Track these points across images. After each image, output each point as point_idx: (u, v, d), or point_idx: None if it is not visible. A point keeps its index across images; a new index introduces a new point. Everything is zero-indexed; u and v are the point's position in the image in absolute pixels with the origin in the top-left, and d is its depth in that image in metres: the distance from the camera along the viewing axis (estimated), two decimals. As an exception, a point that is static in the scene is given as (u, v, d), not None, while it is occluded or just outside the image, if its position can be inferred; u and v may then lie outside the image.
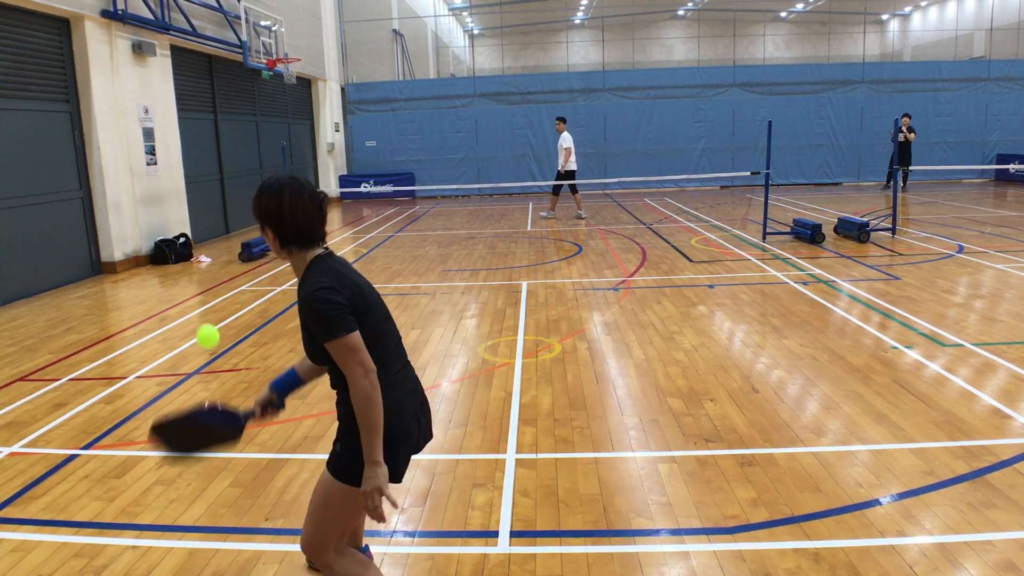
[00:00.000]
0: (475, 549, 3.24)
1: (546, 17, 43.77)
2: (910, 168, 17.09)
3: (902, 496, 3.54)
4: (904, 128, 16.59)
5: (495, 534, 3.34)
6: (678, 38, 49.59)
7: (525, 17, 42.50)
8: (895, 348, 5.83)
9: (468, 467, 4.00)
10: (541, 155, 20.42)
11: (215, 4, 13.23)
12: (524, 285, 8.62)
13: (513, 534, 3.34)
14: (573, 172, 14.62)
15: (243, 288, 9.13)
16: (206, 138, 13.73)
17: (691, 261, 9.81)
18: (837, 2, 39.86)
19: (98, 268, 10.46)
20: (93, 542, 3.39)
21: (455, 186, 20.12)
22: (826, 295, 7.67)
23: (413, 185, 20.05)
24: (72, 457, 4.34)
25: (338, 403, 2.44)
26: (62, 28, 9.78)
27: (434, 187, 19.70)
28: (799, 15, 46.56)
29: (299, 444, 4.40)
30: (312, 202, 2.38)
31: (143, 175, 11.06)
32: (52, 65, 9.64)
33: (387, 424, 2.33)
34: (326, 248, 2.47)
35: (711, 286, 8.26)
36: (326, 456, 4.25)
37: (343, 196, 20.93)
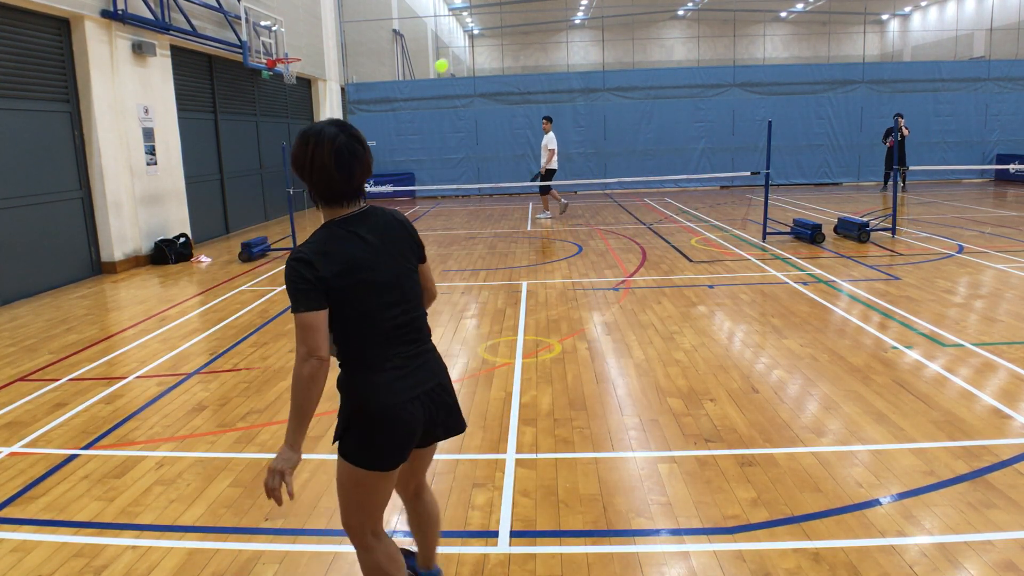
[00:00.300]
0: (475, 549, 3.24)
1: (546, 17, 43.77)
2: (906, 168, 17.13)
3: (902, 496, 3.54)
4: (902, 127, 16.61)
5: (495, 534, 3.34)
6: (678, 38, 49.58)
7: (525, 17, 42.51)
8: (895, 348, 5.83)
9: (468, 467, 4.00)
10: (541, 155, 20.37)
11: (215, 4, 13.23)
12: (524, 285, 8.62)
13: (513, 534, 3.34)
14: (554, 172, 14.76)
15: (243, 288, 9.14)
16: (206, 138, 13.73)
17: (691, 261, 9.81)
18: (837, 2, 39.87)
19: (98, 268, 10.46)
20: (93, 542, 3.39)
21: (455, 186, 20.12)
22: (826, 295, 7.67)
23: (413, 185, 20.05)
24: (72, 457, 4.34)
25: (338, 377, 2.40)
26: (62, 28, 9.78)
27: (434, 187, 19.70)
28: (799, 15, 46.57)
29: (299, 444, 4.39)
30: (333, 157, 2.21)
31: (143, 175, 11.05)
32: (52, 65, 9.64)
33: (362, 408, 2.28)
34: (359, 207, 2.33)
35: (711, 286, 8.25)
36: (326, 456, 4.27)
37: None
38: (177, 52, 12.43)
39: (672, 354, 5.87)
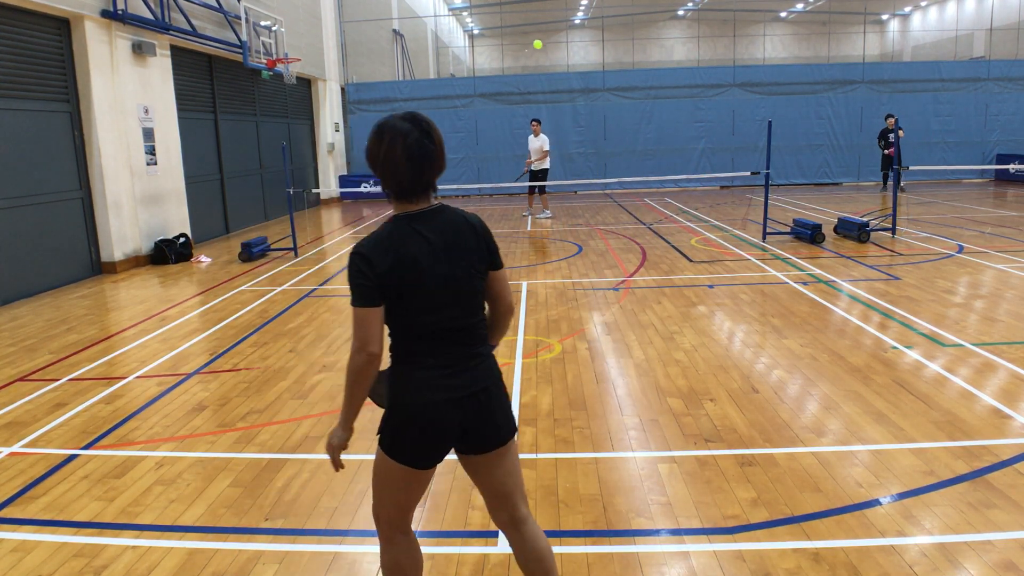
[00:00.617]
0: (475, 549, 3.24)
1: (546, 17, 43.77)
2: (905, 168, 17.12)
3: (902, 496, 3.54)
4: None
5: (495, 534, 3.34)
6: (678, 38, 49.58)
7: (525, 17, 42.51)
8: (895, 348, 5.83)
9: (468, 467, 4.00)
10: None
11: (215, 4, 13.23)
12: (524, 285, 8.61)
13: (513, 534, 3.33)
14: (546, 172, 14.89)
15: (243, 288, 9.14)
16: (206, 138, 13.73)
17: (691, 261, 9.81)
18: (837, 2, 39.86)
19: (98, 268, 10.46)
20: (93, 542, 3.39)
21: (455, 186, 20.06)
22: (826, 295, 7.67)
23: (413, 185, 20.01)
24: (72, 457, 4.34)
25: None
26: (62, 28, 9.78)
27: (434, 187, 19.67)
28: (799, 15, 46.56)
29: (299, 444, 4.40)
30: (406, 154, 2.20)
31: (143, 175, 11.06)
32: (52, 65, 9.64)
33: (398, 402, 2.30)
34: (430, 204, 2.30)
35: (711, 286, 8.25)
36: (326, 456, 4.26)
37: (343, 196, 20.93)
38: (177, 52, 12.43)
39: (672, 354, 5.87)
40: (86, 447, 4.47)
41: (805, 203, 16.30)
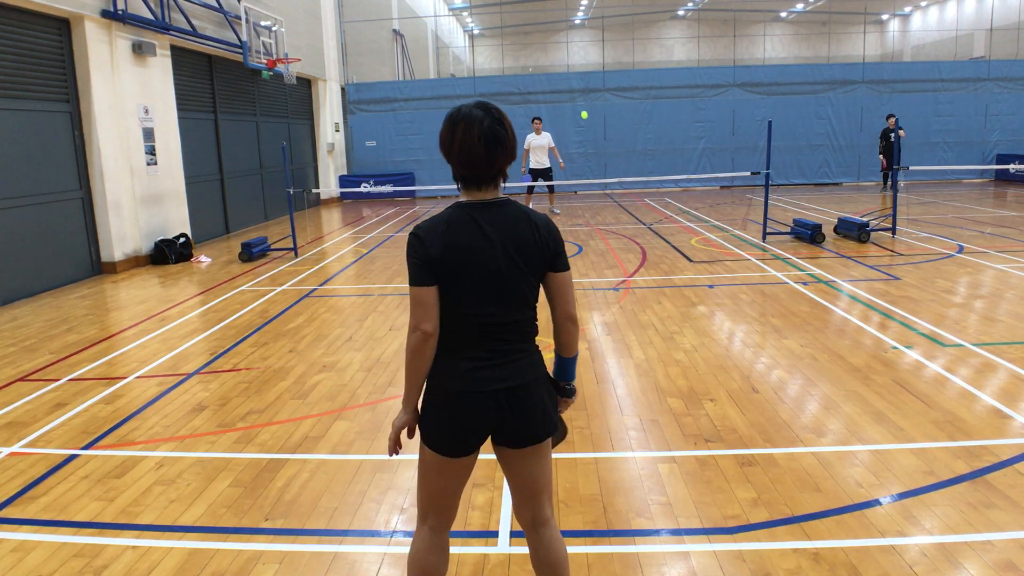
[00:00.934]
0: (475, 549, 3.24)
1: (546, 17, 43.77)
2: (904, 168, 17.13)
3: (902, 496, 3.54)
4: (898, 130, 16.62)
5: (495, 534, 3.34)
6: (678, 38, 49.58)
7: (525, 17, 42.51)
8: (895, 348, 5.83)
9: (468, 467, 4.00)
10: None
11: (215, 4, 13.23)
12: (524, 285, 8.60)
13: (513, 534, 3.34)
14: (550, 169, 15.15)
15: (243, 288, 9.14)
16: (206, 138, 13.73)
17: (691, 261, 9.81)
18: (837, 2, 39.87)
19: (98, 268, 10.46)
20: (93, 542, 3.39)
21: (455, 186, 20.07)
22: (826, 295, 7.67)
23: (413, 185, 20.05)
24: (72, 457, 4.34)
25: None
26: (62, 28, 9.78)
27: (434, 187, 19.66)
28: (799, 15, 46.57)
29: (299, 444, 4.40)
30: (482, 141, 2.24)
31: (143, 175, 11.06)
32: (52, 65, 9.64)
33: (436, 387, 2.32)
34: (495, 197, 2.32)
35: (711, 286, 8.26)
36: (326, 456, 4.27)
37: (343, 196, 20.93)
38: (177, 52, 12.43)
39: (672, 354, 5.87)
40: (86, 447, 4.47)
41: (805, 203, 16.30)
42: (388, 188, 19.89)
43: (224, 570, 3.14)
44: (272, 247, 11.93)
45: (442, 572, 2.50)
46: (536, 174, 15.03)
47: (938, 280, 8.18)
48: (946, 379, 5.12)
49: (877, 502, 3.49)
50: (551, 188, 15.30)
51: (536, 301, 2.39)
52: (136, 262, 10.94)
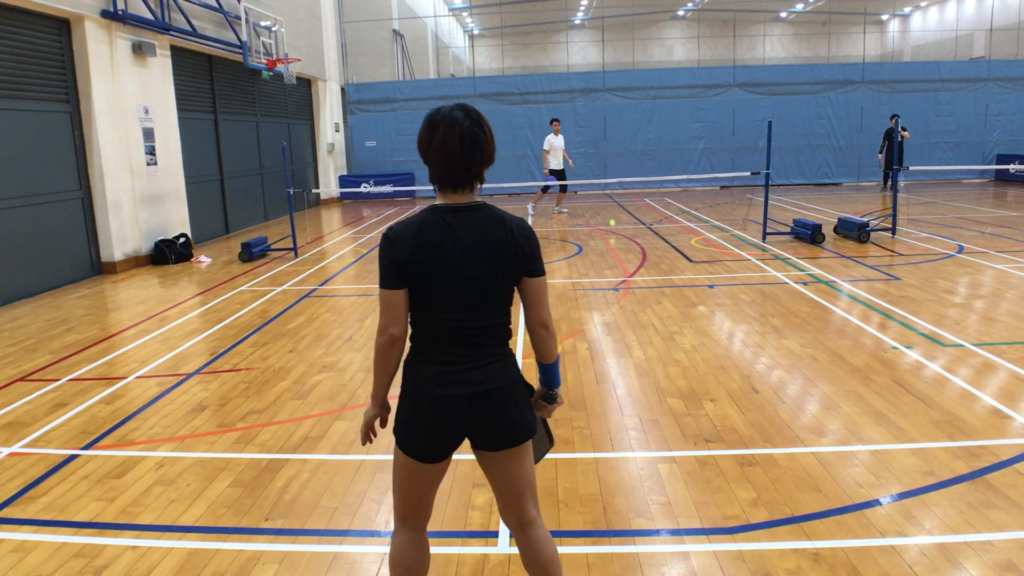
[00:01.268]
0: (475, 549, 3.24)
1: (546, 17, 43.76)
2: (905, 168, 17.15)
3: (902, 496, 3.54)
4: (900, 128, 16.63)
5: (495, 534, 3.34)
6: (678, 38, 49.58)
7: (525, 17, 42.50)
8: (895, 348, 5.83)
9: (468, 467, 3.99)
10: (541, 155, 20.39)
11: (215, 4, 13.23)
12: (524, 285, 8.60)
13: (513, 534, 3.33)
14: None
15: (243, 288, 9.13)
16: (206, 138, 13.73)
17: (691, 261, 9.81)
18: (837, 2, 39.86)
19: (98, 268, 10.46)
20: (93, 542, 3.39)
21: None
22: (826, 295, 7.67)
23: (413, 185, 20.04)
24: (72, 457, 4.34)
25: None
26: (62, 28, 9.78)
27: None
28: (799, 15, 46.56)
29: (299, 444, 4.40)
30: (461, 143, 2.21)
31: (143, 175, 11.06)
32: (52, 65, 9.64)
33: (408, 390, 2.33)
34: (472, 200, 2.29)
35: (711, 286, 8.25)
36: (326, 456, 4.27)
37: (343, 196, 20.93)
38: (177, 52, 12.43)
39: (672, 354, 5.86)
40: (86, 447, 4.47)
41: (805, 203, 16.30)
42: (388, 188, 19.89)
43: (224, 570, 3.14)
44: (272, 247, 11.93)
45: (424, 569, 2.52)
46: (554, 174, 15.20)
47: (938, 280, 8.18)
48: (946, 379, 5.12)
49: (877, 502, 3.49)
50: (564, 188, 15.51)
51: (510, 305, 2.38)
52: (136, 262, 10.94)
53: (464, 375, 2.28)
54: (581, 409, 4.78)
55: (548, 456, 4.09)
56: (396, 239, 2.24)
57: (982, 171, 20.61)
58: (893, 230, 11.22)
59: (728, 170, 20.07)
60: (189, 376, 5.79)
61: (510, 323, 2.41)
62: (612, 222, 17.44)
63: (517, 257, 2.31)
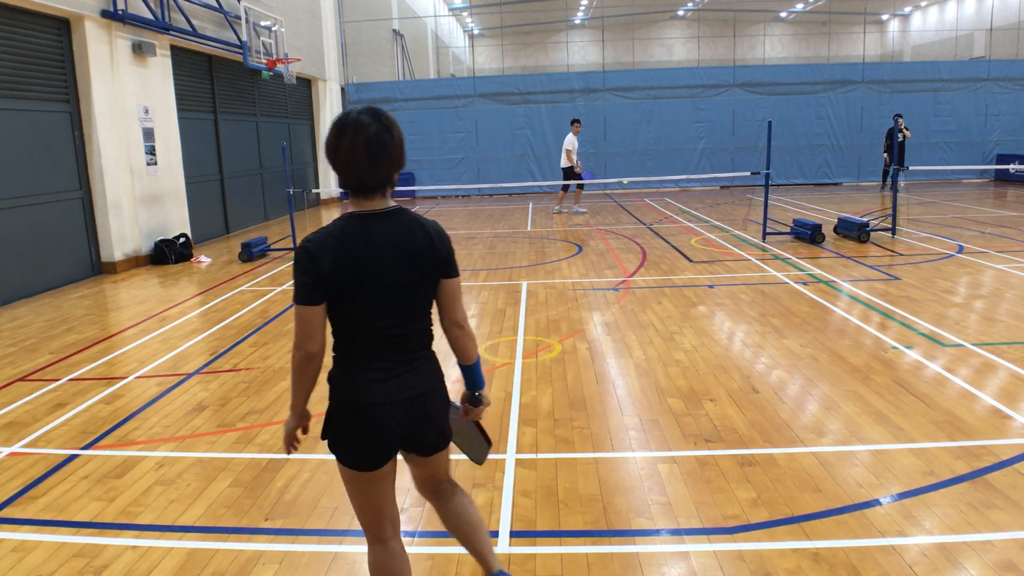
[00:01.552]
0: (475, 549, 3.24)
1: (546, 17, 43.77)
2: (903, 168, 17.16)
3: (902, 496, 3.54)
4: (902, 127, 16.62)
5: (495, 534, 3.34)
6: (678, 38, 49.59)
7: (525, 17, 42.51)
8: (895, 348, 5.83)
9: (468, 467, 4.00)
10: (541, 155, 20.43)
11: (215, 4, 13.23)
12: (524, 285, 8.62)
13: (513, 534, 3.34)
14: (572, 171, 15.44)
15: (243, 288, 9.14)
16: (206, 138, 13.73)
17: (691, 261, 9.81)
18: (837, 2, 39.86)
19: (98, 268, 10.46)
20: (93, 542, 3.40)
21: (455, 186, 20.12)
22: (826, 295, 7.67)
23: (413, 185, 20.05)
24: (72, 457, 4.34)
25: None
26: (62, 28, 9.78)
27: (434, 187, 19.69)
28: (799, 15, 46.57)
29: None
30: (367, 149, 2.16)
31: (143, 175, 11.06)
32: (52, 65, 9.64)
33: (342, 405, 2.31)
34: (387, 206, 2.27)
35: (711, 286, 8.25)
36: (326, 456, 4.27)
37: (343, 196, 20.92)
38: (177, 52, 12.43)
39: (672, 354, 5.87)
40: (86, 447, 4.47)
41: (805, 203, 16.30)
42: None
43: (224, 570, 3.14)
44: (272, 247, 11.93)
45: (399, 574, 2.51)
46: (575, 174, 15.29)
47: (938, 280, 8.18)
48: (946, 379, 5.12)
49: (877, 502, 3.49)
50: (580, 187, 15.70)
51: (431, 308, 2.40)
52: (136, 262, 10.94)
53: (397, 380, 2.29)
54: (581, 409, 4.78)
55: (548, 456, 4.11)
56: (316, 252, 2.16)
57: (982, 171, 20.60)
58: (893, 230, 11.22)
59: (728, 170, 20.07)
60: (189, 376, 5.79)
61: (432, 325, 2.42)
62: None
63: (437, 260, 2.33)
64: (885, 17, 47.05)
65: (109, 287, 9.61)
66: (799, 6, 43.98)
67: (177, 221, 12.00)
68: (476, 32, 50.80)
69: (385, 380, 2.28)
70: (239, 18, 13.85)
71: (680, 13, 46.48)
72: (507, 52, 48.62)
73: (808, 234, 10.84)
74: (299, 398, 2.35)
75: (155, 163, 11.39)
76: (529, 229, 13.69)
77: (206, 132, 13.74)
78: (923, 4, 43.05)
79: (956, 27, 38.67)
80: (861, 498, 3.54)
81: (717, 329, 6.58)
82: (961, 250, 9.97)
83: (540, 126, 20.32)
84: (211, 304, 8.33)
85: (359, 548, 3.29)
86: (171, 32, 11.65)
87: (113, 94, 10.41)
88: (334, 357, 2.35)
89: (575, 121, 15.47)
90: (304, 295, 2.18)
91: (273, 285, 9.23)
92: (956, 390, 4.91)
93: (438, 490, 2.65)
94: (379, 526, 2.45)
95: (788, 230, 11.67)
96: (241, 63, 14.24)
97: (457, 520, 2.64)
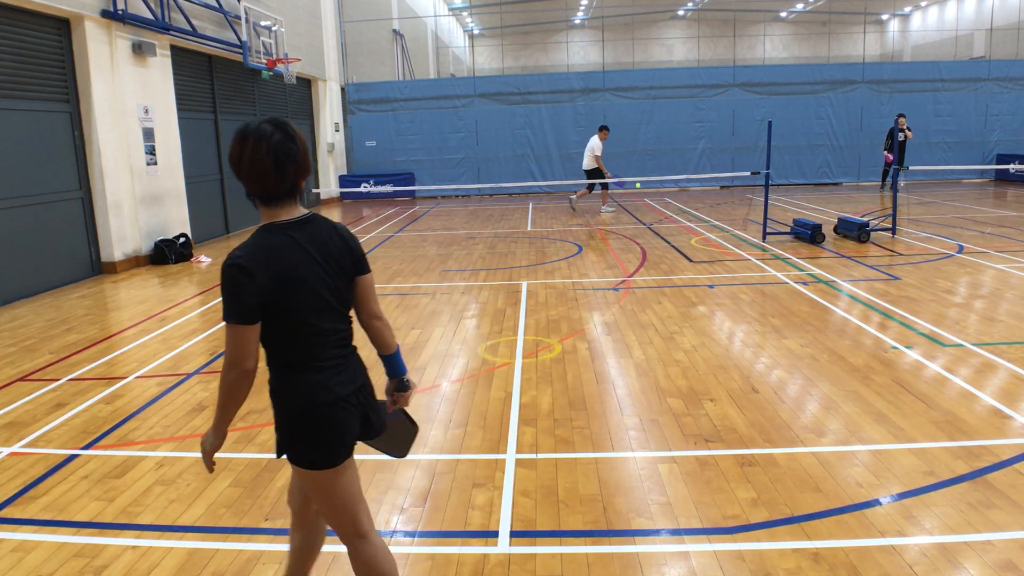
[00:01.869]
0: (475, 549, 3.24)
1: (546, 17, 43.78)
2: (904, 168, 17.17)
3: (902, 496, 3.54)
4: (904, 128, 16.63)
5: (495, 534, 3.34)
6: (678, 38, 49.60)
7: (525, 17, 42.51)
8: (895, 348, 5.83)
9: (468, 467, 4.00)
10: (541, 155, 20.43)
11: (215, 4, 13.23)
12: (524, 285, 8.62)
13: (513, 534, 3.34)
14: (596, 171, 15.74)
15: (243, 288, 9.12)
16: (206, 138, 13.73)
17: (691, 261, 9.81)
18: (837, 2, 39.87)
19: (98, 268, 10.46)
20: (93, 542, 3.40)
21: (455, 186, 20.12)
22: (826, 295, 7.67)
23: (413, 185, 20.05)
24: (72, 457, 4.34)
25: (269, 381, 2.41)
26: (62, 28, 9.78)
27: (434, 187, 19.71)
28: (799, 15, 46.58)
29: (299, 444, 4.39)
30: (271, 157, 2.18)
31: (143, 175, 11.06)
32: (52, 65, 9.64)
33: (303, 410, 2.31)
34: (300, 214, 2.30)
35: (711, 286, 8.26)
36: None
37: (343, 196, 20.93)
38: (177, 52, 12.43)
39: (672, 354, 5.87)
40: (86, 447, 4.47)
41: (805, 203, 16.30)
42: (388, 188, 19.90)
43: (224, 570, 3.14)
44: (272, 247, 11.91)
45: (395, 568, 2.53)
46: (600, 175, 15.43)
47: (938, 280, 8.18)
48: (946, 379, 5.12)
49: (877, 502, 3.49)
50: (605, 187, 15.91)
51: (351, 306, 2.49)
52: (136, 262, 10.94)
53: (343, 375, 2.38)
54: (581, 409, 4.78)
55: (548, 456, 4.11)
56: (253, 268, 2.15)
57: (982, 171, 20.60)
58: (893, 230, 11.22)
59: (728, 170, 20.07)
60: (189, 376, 5.79)
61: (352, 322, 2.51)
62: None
63: (354, 259, 2.41)
64: (885, 17, 47.06)
65: (109, 287, 9.61)
66: (799, 6, 43.99)
67: (177, 221, 12.00)
68: (476, 32, 50.81)
69: (334, 377, 2.35)
70: (239, 18, 13.85)
71: (680, 13, 46.49)
72: (507, 52, 48.63)
73: (808, 234, 10.84)
74: (228, 418, 2.36)
75: (155, 163, 11.39)
76: (529, 229, 13.69)
77: (206, 132, 13.74)
78: (923, 4, 43.05)
79: (956, 27, 38.68)
80: (861, 498, 3.54)
81: (717, 329, 6.58)
82: (961, 250, 9.97)
83: (540, 126, 20.31)
84: (211, 304, 8.33)
85: (359, 548, 3.29)
86: (171, 32, 11.65)
87: (113, 94, 10.41)
88: (274, 368, 2.36)
89: (604, 128, 15.70)
90: (243, 314, 2.17)
91: (273, 285, 9.22)
92: (956, 390, 4.91)
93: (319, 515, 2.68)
94: (356, 521, 2.46)
95: (788, 230, 11.67)
96: (241, 63, 14.24)
97: (312, 542, 2.75)
